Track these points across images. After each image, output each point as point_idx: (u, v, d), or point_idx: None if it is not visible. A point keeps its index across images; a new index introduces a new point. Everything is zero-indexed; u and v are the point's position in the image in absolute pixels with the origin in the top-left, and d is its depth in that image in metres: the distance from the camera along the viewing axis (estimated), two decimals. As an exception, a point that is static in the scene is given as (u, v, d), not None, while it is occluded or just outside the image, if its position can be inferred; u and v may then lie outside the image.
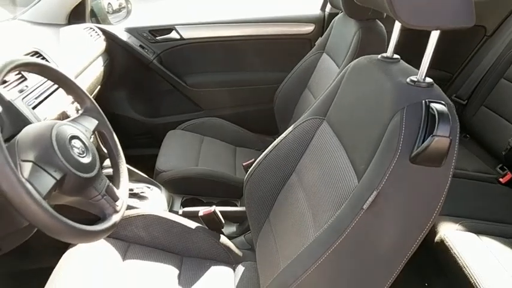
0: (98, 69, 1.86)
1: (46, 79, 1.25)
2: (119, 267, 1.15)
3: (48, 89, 1.27)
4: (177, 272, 1.19)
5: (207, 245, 1.27)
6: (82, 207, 0.93)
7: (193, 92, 2.29)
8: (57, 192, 0.84)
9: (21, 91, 1.14)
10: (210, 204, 1.33)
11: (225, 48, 2.29)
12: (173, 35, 2.23)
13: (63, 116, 1.26)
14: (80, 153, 0.89)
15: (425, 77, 0.78)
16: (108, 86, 2.05)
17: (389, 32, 1.50)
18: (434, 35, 0.75)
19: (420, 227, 0.74)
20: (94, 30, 1.96)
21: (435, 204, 0.73)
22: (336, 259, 0.78)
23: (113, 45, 2.08)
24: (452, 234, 1.37)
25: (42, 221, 0.73)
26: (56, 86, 1.30)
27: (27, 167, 0.79)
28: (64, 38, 1.69)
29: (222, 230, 1.33)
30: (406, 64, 0.93)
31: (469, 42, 2.21)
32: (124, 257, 1.19)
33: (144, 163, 1.76)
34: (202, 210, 1.29)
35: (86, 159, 0.90)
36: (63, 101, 1.33)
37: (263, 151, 1.22)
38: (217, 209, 1.31)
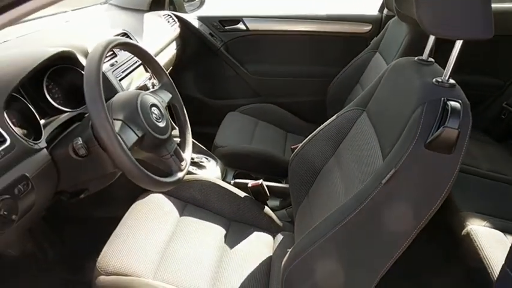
0: (171, 52, 2.04)
1: (131, 57, 1.46)
2: (176, 222, 1.29)
3: (132, 65, 1.47)
4: (224, 232, 1.32)
5: (252, 213, 1.40)
6: (154, 162, 1.12)
7: (253, 79, 2.41)
8: (137, 147, 1.03)
9: (112, 65, 1.36)
10: (258, 179, 1.44)
11: (286, 42, 2.38)
12: (240, 25, 2.35)
13: (144, 88, 1.46)
14: (157, 119, 1.08)
15: (448, 78, 0.88)
16: (179, 68, 2.21)
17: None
18: (458, 44, 0.85)
19: (428, 205, 0.84)
20: (171, 17, 2.14)
21: (443, 187, 0.83)
22: (353, 226, 0.89)
23: (186, 32, 2.23)
24: (478, 229, 1.43)
25: (128, 167, 0.92)
26: (138, 63, 1.50)
27: (117, 124, 0.99)
28: (146, 22, 1.87)
29: (267, 202, 1.45)
30: (438, 67, 1.01)
31: None
32: (181, 214, 1.33)
33: (205, 138, 1.88)
34: (251, 182, 1.42)
35: (162, 124, 1.09)
36: (142, 76, 1.54)
37: None
38: (265, 183, 1.43)
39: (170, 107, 1.27)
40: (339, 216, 0.91)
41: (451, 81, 0.89)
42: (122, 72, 1.39)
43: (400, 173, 0.83)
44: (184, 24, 2.23)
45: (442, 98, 0.83)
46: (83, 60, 1.22)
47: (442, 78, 0.89)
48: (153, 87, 1.53)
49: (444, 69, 0.90)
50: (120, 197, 1.40)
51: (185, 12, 2.34)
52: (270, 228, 1.41)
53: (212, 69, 2.40)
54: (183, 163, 1.17)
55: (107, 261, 1.10)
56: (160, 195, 1.36)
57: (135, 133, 1.00)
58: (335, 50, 2.35)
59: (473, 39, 0.81)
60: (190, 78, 2.40)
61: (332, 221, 0.92)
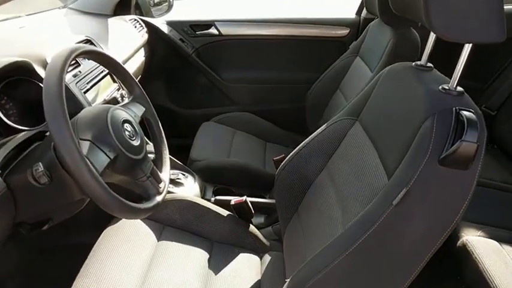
0: (139, 59, 1.93)
1: (96, 66, 1.33)
2: (154, 248, 1.20)
3: (98, 75, 1.34)
4: (207, 256, 1.23)
5: (236, 233, 1.31)
6: (128, 186, 0.99)
7: (227, 86, 2.33)
8: (110, 170, 0.91)
9: (75, 76, 1.22)
10: (240, 195, 1.36)
11: (261, 46, 2.32)
12: (212, 30, 2.28)
13: (113, 101, 1.33)
14: (130, 136, 0.96)
15: (456, 85, 0.82)
16: (148, 77, 2.11)
17: (423, 40, 1.55)
18: (467, 47, 0.79)
19: (444, 226, 0.77)
20: (138, 22, 2.03)
21: (460, 206, 0.76)
22: (360, 253, 0.81)
23: (155, 38, 2.13)
24: (474, 239, 1.38)
25: (98, 195, 0.80)
26: (104, 73, 1.37)
27: (85, 145, 0.86)
28: (111, 28, 1.76)
29: (252, 219, 1.37)
30: (439, 73, 0.96)
31: (501, 54, 2.20)
32: (159, 238, 1.23)
33: (179, 152, 1.79)
34: (233, 200, 1.33)
35: (136, 142, 0.97)
36: (110, 87, 1.41)
37: (292, 148, 1.27)
38: (248, 199, 1.34)
39: (143, 121, 1.15)
40: (344, 243, 0.82)
41: (459, 88, 0.83)
42: (87, 83, 1.26)
43: (412, 192, 0.75)
44: (152, 29, 2.13)
45: (454, 108, 0.77)
46: (41, 71, 1.09)
47: (450, 85, 0.83)
48: (122, 99, 1.40)
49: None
50: (90, 222, 1.29)
51: (153, 16, 2.24)
52: (257, 249, 1.32)
53: (184, 77, 2.32)
54: (161, 185, 1.05)
55: None
56: (135, 219, 1.25)
57: (107, 155, 0.87)
58: (312, 55, 2.32)
59: (485, 42, 0.75)
60: (161, 87, 2.32)
61: (336, 248, 0.83)
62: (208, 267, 1.20)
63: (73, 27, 1.62)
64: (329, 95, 1.98)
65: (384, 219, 0.77)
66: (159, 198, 1.01)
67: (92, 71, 1.32)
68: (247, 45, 2.33)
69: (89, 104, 1.22)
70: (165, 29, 2.20)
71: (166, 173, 1.13)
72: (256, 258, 1.29)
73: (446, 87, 0.83)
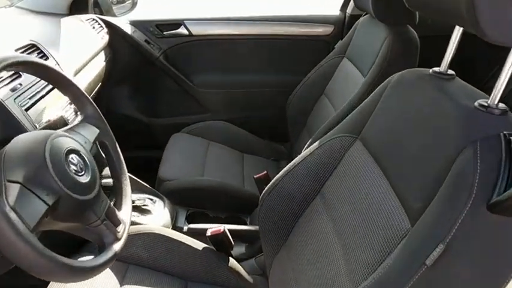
0: (99, 64, 1.76)
1: None
2: None
3: (44, 87, 1.14)
4: None
5: (214, 270, 1.18)
6: (77, 233, 0.80)
7: (200, 92, 2.20)
8: (49, 218, 0.71)
9: (13, 90, 1.01)
10: (217, 219, 1.23)
11: (235, 47, 2.20)
12: (181, 30, 2.15)
13: (59, 122, 1.13)
14: (77, 171, 0.76)
15: (498, 101, 0.66)
16: (110, 83, 1.96)
17: (421, 38, 1.40)
18: None
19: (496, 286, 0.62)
20: (97, 22, 1.85)
21: None
22: None
23: (117, 39, 1.97)
24: None
25: (28, 261, 0.61)
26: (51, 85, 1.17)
27: (13, 190, 0.65)
28: (64, 30, 1.57)
29: (231, 251, 1.23)
30: (463, 82, 0.81)
31: None
32: (122, 281, 1.08)
33: (146, 168, 1.66)
34: (210, 230, 1.19)
35: (85, 178, 0.77)
36: (59, 101, 1.20)
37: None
38: (227, 227, 1.20)
39: (97, 145, 0.96)
40: None
41: (501, 105, 0.66)
42: (29, 98, 1.05)
43: (451, 249, 0.58)
44: (113, 30, 1.95)
45: (502, 134, 0.60)
46: None
47: (489, 101, 0.66)
48: (76, 115, 1.20)
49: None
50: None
51: (114, 15, 2.05)
52: (239, 287, 1.18)
53: (150, 82, 2.18)
54: (120, 228, 0.85)
55: None
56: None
57: (43, 201, 0.67)
58: (293, 56, 2.18)
59: None
60: (125, 94, 2.16)
61: None
62: None
63: (17, 30, 1.42)
64: (313, 100, 1.85)
65: (415, 282, 0.61)
66: (116, 246, 0.82)
67: (36, 83, 1.11)
68: (220, 46, 2.20)
69: (32, 124, 1.00)
70: (128, 29, 2.04)
71: (127, 212, 0.94)
72: (238, 298, 1.14)
73: (485, 104, 0.66)
